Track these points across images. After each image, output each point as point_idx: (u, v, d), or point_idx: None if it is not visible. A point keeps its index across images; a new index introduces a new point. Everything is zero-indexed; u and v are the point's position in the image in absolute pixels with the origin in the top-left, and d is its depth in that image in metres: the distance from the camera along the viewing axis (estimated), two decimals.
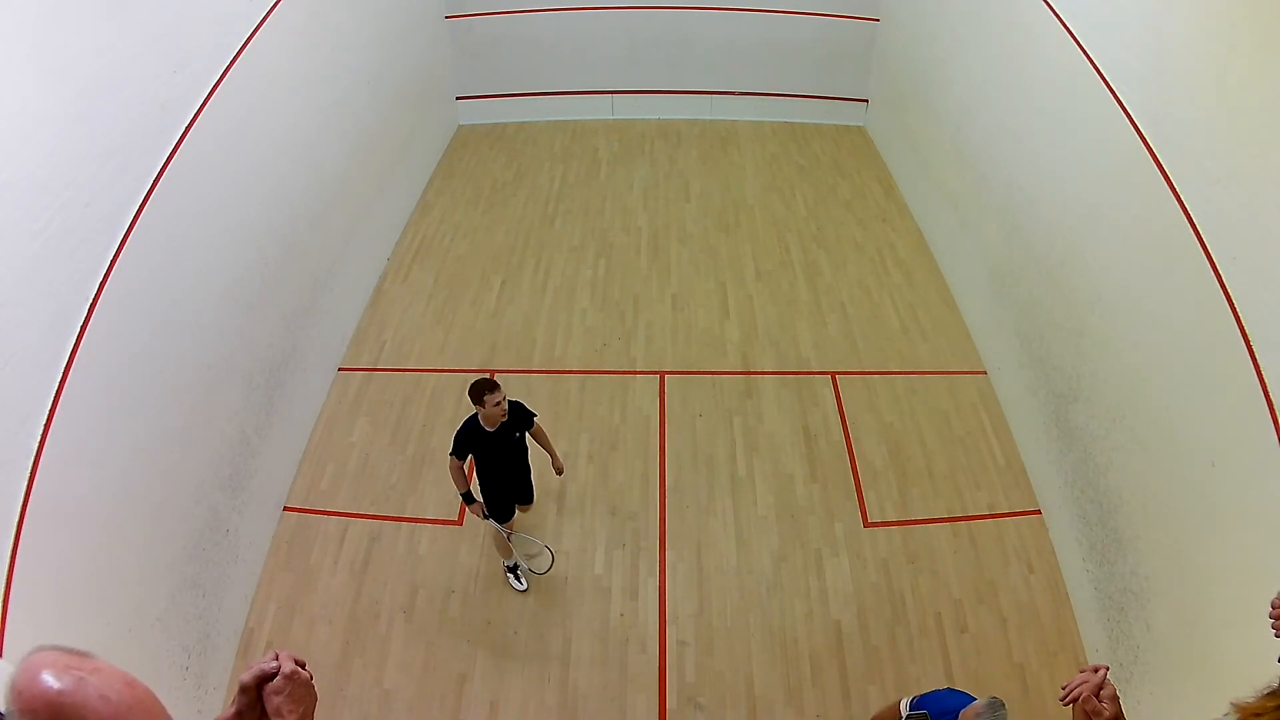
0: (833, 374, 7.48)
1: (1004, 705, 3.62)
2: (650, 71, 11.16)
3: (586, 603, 5.74)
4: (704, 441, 6.87)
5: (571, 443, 6.81)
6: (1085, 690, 1.99)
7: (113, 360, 4.29)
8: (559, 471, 5.59)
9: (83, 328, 4.05)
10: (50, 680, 1.10)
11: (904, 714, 4.18)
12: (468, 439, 5.08)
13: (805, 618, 5.64)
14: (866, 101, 11.19)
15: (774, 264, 8.79)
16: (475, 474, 5.35)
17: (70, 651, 1.17)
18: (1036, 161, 6.54)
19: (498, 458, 5.21)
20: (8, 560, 3.47)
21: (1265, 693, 1.77)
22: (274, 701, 1.61)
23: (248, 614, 5.65)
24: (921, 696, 4.14)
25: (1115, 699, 1.99)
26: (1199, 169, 4.55)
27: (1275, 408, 3.89)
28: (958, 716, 3.84)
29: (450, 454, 5.10)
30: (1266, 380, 3.96)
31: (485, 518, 5.33)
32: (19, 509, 3.57)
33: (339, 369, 7.51)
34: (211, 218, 5.32)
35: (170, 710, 1.31)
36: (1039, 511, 6.35)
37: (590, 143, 10.98)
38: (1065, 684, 2.05)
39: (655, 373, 7.51)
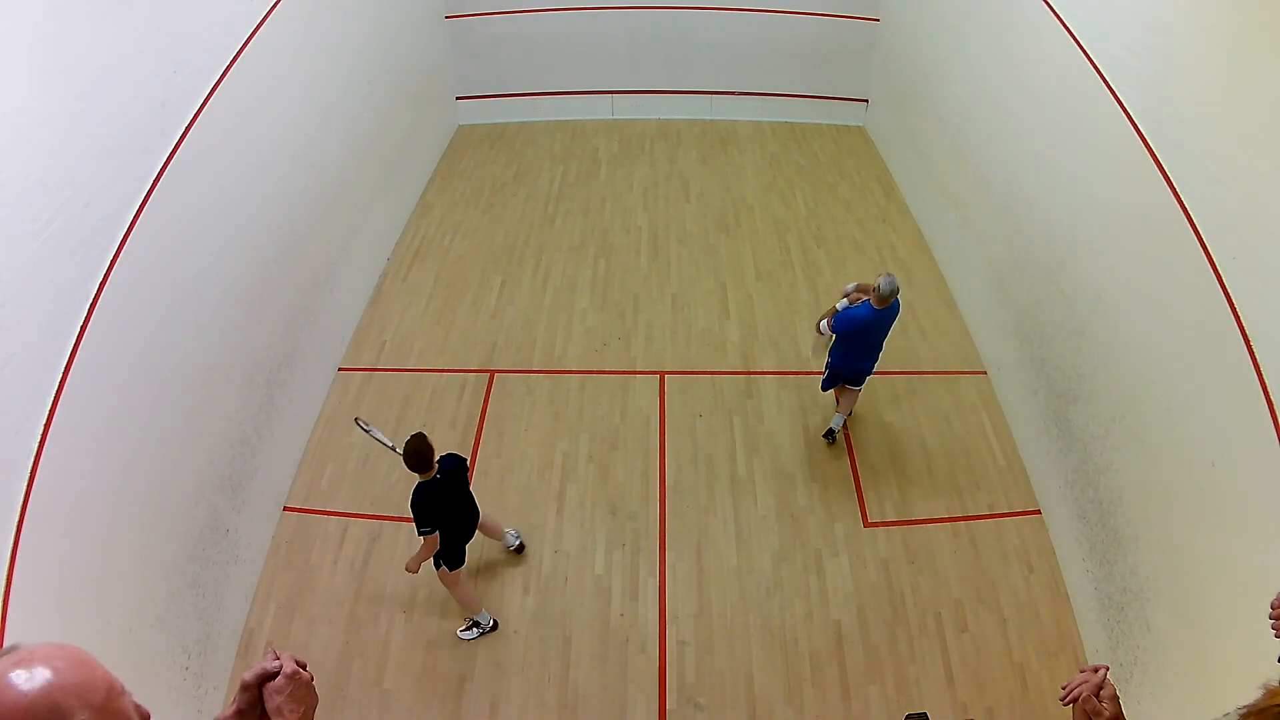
0: None
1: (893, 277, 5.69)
2: (650, 71, 11.15)
3: (586, 603, 5.74)
4: (704, 441, 6.87)
5: (571, 442, 6.81)
6: (1085, 690, 1.99)
7: (113, 360, 4.30)
8: None
9: (83, 328, 4.06)
10: (20, 685, 1.08)
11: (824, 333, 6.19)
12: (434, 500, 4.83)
13: (805, 618, 5.65)
14: (866, 101, 11.18)
15: (774, 264, 8.78)
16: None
17: (4, 653, 1.15)
18: (1036, 161, 6.54)
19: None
20: (8, 560, 3.47)
21: None
22: (275, 701, 1.61)
23: (248, 614, 5.65)
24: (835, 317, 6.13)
25: (1115, 699, 1.98)
26: (1199, 169, 4.55)
27: (1275, 408, 3.89)
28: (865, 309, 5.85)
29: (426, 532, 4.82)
30: (1266, 380, 3.96)
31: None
32: (19, 509, 3.57)
33: (339, 369, 7.51)
34: (211, 218, 5.32)
35: (170, 710, 1.31)
36: (1039, 511, 6.35)
37: (590, 143, 10.98)
38: (1065, 684, 2.04)
39: (655, 373, 7.50)
